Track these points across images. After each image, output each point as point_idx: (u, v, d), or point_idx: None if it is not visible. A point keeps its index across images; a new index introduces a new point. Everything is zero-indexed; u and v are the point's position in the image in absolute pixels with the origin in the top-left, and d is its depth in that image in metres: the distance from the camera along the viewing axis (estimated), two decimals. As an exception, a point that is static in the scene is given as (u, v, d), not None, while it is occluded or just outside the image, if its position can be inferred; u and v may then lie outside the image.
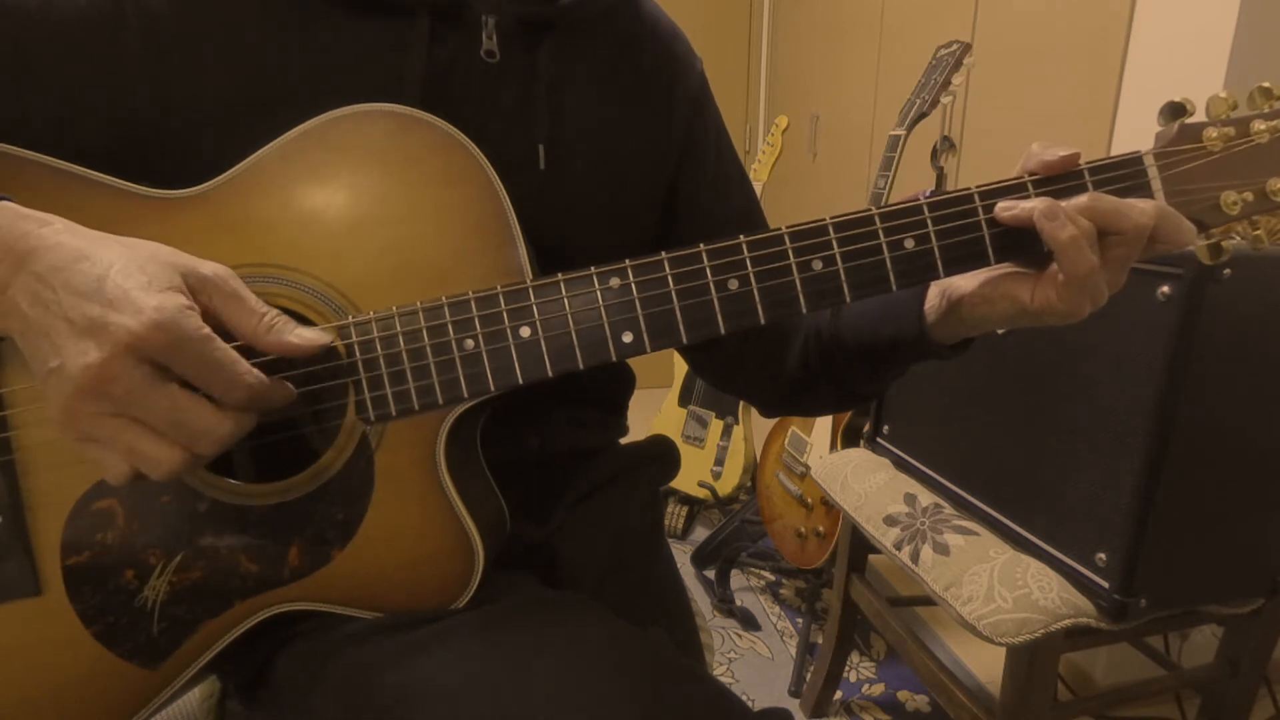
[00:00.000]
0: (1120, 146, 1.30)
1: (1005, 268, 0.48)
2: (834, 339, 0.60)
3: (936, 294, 0.52)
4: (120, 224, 0.45)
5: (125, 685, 0.47)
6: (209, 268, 0.40)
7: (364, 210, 0.46)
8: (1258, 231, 0.46)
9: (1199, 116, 0.45)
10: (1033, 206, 0.44)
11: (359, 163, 0.46)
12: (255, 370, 0.39)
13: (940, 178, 1.46)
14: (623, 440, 0.71)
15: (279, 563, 0.47)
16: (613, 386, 0.68)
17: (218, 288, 0.40)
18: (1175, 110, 0.45)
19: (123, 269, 0.37)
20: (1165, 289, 0.73)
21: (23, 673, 0.46)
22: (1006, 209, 0.44)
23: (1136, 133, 1.30)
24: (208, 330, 0.38)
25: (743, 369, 0.68)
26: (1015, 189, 0.45)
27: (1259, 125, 0.44)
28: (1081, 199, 0.43)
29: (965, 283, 0.50)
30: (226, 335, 0.40)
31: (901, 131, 1.35)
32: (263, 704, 0.52)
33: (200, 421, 0.38)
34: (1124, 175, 0.45)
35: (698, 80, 0.64)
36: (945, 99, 1.32)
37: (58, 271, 0.37)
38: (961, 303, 0.50)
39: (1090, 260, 0.43)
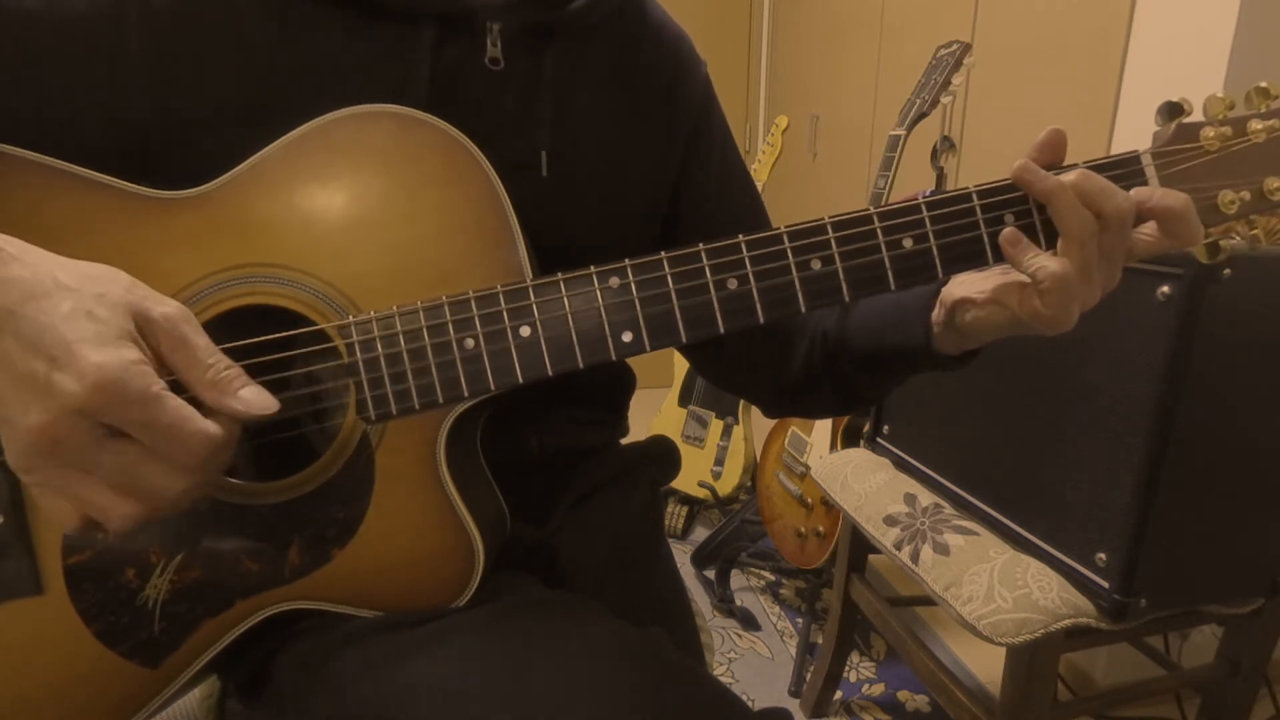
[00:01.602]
0: (1120, 147, 1.30)
1: (1000, 274, 0.48)
2: (839, 343, 0.60)
3: (939, 306, 0.52)
4: (122, 224, 0.46)
5: (126, 684, 0.47)
6: (158, 310, 0.38)
7: (365, 210, 0.46)
8: (1255, 231, 0.46)
9: (1196, 116, 0.46)
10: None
11: (360, 163, 0.46)
12: (208, 426, 0.37)
13: (940, 178, 1.46)
14: (623, 440, 0.71)
15: (279, 562, 0.47)
16: (613, 387, 0.68)
17: (167, 333, 0.38)
18: (1172, 110, 0.45)
19: (69, 314, 0.35)
20: (1165, 289, 0.73)
21: (24, 671, 0.46)
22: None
23: (1136, 133, 1.30)
24: (156, 388, 0.35)
25: (747, 370, 0.68)
26: (1011, 188, 0.45)
27: (1256, 125, 0.44)
28: (1071, 175, 0.43)
29: (959, 290, 0.50)
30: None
31: (901, 131, 1.35)
32: (263, 703, 0.52)
33: (150, 480, 0.36)
34: (1121, 175, 0.45)
35: (703, 84, 0.64)
36: (945, 99, 1.32)
37: (4, 314, 0.35)
38: (954, 311, 0.50)
39: (1064, 270, 0.43)
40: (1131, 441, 0.77)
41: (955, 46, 1.32)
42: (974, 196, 0.45)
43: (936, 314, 0.52)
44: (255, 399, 0.40)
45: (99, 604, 0.46)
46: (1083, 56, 1.41)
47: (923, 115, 1.33)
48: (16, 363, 0.34)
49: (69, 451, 0.35)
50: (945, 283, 0.52)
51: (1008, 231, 0.45)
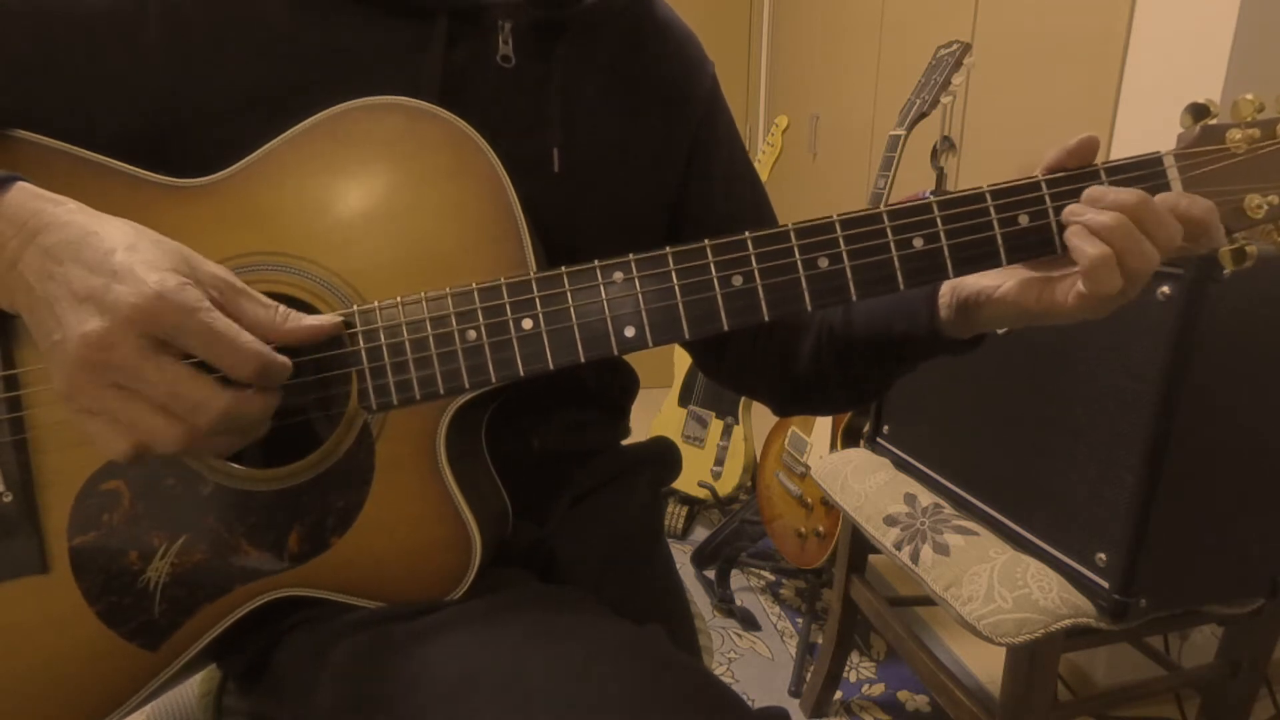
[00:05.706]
0: (1120, 147, 1.30)
1: (1016, 269, 0.48)
2: (846, 337, 0.60)
3: (948, 291, 0.52)
4: (137, 211, 0.46)
5: (126, 665, 0.47)
6: (208, 268, 0.41)
7: (372, 201, 0.46)
8: None
9: (1224, 118, 0.44)
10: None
11: (368, 155, 0.47)
12: (257, 339, 0.39)
13: (940, 178, 1.46)
14: (624, 441, 0.71)
15: (279, 548, 0.47)
16: (616, 388, 0.68)
17: (229, 284, 0.41)
18: (1198, 111, 0.44)
19: (130, 245, 0.38)
20: (1165, 289, 0.73)
21: (26, 649, 0.46)
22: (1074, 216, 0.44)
23: (1136, 133, 1.30)
24: (209, 303, 0.38)
25: (755, 369, 0.68)
26: (1028, 188, 0.44)
27: None
28: (1128, 197, 0.42)
29: (975, 283, 0.50)
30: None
31: (901, 131, 1.35)
32: (263, 693, 0.52)
33: (198, 393, 0.37)
34: (1143, 176, 0.44)
35: (709, 83, 0.65)
36: (945, 99, 1.32)
37: (67, 245, 0.37)
38: (968, 304, 0.50)
39: (1117, 282, 0.42)
40: (1131, 441, 0.77)
41: (955, 46, 1.33)
42: (987, 196, 0.44)
43: (945, 300, 0.52)
44: (326, 318, 0.43)
45: (102, 585, 0.46)
46: (1083, 56, 1.41)
47: (923, 115, 1.34)
48: (76, 282, 0.37)
49: (119, 362, 0.36)
50: None
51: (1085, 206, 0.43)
